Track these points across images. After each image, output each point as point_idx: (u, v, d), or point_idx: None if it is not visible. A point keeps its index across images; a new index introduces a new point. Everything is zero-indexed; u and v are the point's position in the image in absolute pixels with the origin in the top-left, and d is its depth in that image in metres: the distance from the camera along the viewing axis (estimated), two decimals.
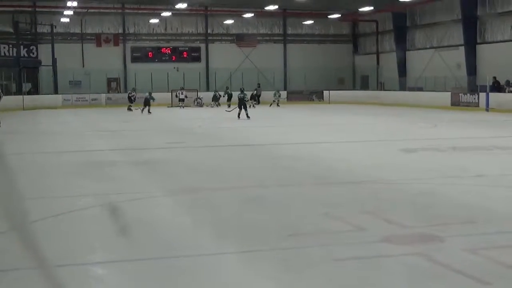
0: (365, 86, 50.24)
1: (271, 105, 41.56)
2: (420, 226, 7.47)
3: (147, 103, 35.99)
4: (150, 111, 35.38)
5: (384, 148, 16.46)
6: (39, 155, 16.07)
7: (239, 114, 28.83)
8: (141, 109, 36.01)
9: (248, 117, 28.43)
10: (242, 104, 29.00)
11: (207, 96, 44.53)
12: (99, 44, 47.55)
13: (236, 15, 48.18)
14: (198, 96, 43.99)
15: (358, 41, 52.98)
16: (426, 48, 43.46)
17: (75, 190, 10.51)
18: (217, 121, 28.22)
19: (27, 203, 9.26)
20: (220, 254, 6.50)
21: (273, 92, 42.99)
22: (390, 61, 46.88)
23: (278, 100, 42.14)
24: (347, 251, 6.45)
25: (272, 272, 5.86)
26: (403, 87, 44.39)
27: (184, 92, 42.42)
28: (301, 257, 6.30)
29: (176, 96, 42.36)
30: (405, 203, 9.00)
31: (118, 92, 46.84)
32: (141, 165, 13.48)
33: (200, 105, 43.23)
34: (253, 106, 40.42)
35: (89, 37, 47.85)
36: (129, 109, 38.12)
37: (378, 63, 49.70)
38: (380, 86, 48.10)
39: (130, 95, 39.57)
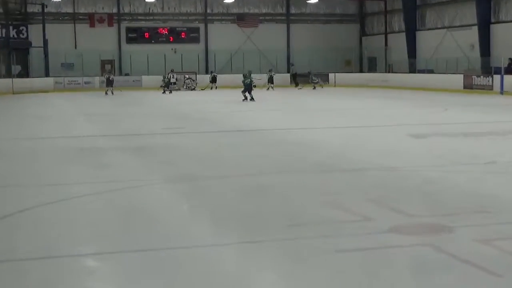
0: (372, 68, 50.13)
1: (268, 89, 41.29)
2: (428, 216, 7.48)
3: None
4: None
5: (392, 134, 16.45)
6: (29, 141, 16.08)
7: (246, 97, 29.70)
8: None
9: (248, 99, 29.43)
10: (248, 87, 29.80)
11: (204, 79, 44.54)
12: (92, 25, 47.49)
13: None
14: (188, 77, 43.62)
15: (366, 21, 52.81)
16: (437, 28, 43.33)
17: (67, 178, 10.53)
18: (216, 105, 28.19)
19: (17, 190, 9.29)
20: (219, 245, 6.52)
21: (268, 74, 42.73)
22: (399, 42, 46.75)
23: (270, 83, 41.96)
24: (352, 242, 6.46)
25: (273, 263, 5.88)
26: (412, 69, 44.28)
27: (176, 75, 42.40)
28: (303, 248, 6.32)
29: (166, 79, 42.08)
30: (413, 191, 9.00)
31: (112, 75, 46.77)
32: (137, 151, 13.49)
33: (191, 88, 42.94)
34: (272, 88, 41.16)
35: (82, 17, 47.78)
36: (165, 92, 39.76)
37: (386, 44, 49.57)
38: (389, 68, 48.00)
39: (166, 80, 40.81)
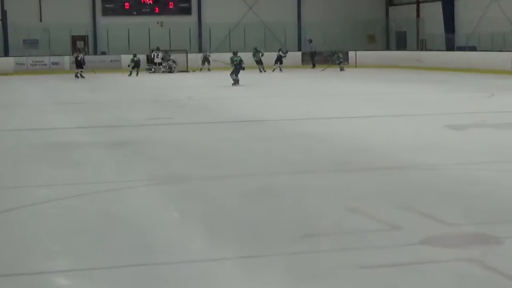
0: (401, 45, 50.10)
1: (273, 70, 41.81)
2: (470, 224, 7.48)
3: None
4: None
5: (425, 125, 16.45)
6: None
7: (236, 81, 29.90)
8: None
9: (237, 83, 29.98)
10: (237, 69, 30.15)
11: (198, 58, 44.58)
12: None
13: None
14: (168, 57, 43.65)
15: None
16: None
17: (32, 179, 10.53)
18: (211, 90, 28.21)
19: None
20: (216, 260, 6.52)
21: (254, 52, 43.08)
22: (434, 13, 46.66)
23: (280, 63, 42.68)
24: (377, 256, 6.46)
25: (281, 282, 5.88)
26: (450, 46, 44.23)
27: (161, 54, 42.54)
28: (318, 264, 6.32)
29: (151, 58, 42.41)
30: (450, 194, 8.99)
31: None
32: (116, 147, 13.51)
33: (171, 70, 42.86)
34: (280, 70, 42.17)
35: None
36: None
37: (418, 15, 49.49)
38: (421, 45, 47.95)
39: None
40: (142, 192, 9.64)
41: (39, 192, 9.54)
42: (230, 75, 30.37)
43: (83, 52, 41.87)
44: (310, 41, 47.97)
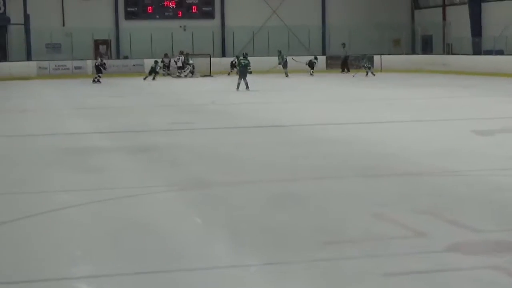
0: (427, 49, 49.90)
1: (286, 75, 41.66)
2: (498, 231, 7.44)
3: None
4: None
5: (452, 130, 16.39)
6: (7, 139, 16.22)
7: (245, 85, 29.83)
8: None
9: (247, 86, 29.68)
10: (244, 72, 30.19)
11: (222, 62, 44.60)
12: None
13: None
14: (186, 60, 43.42)
15: None
16: None
17: (53, 185, 10.60)
18: (233, 95, 28.24)
19: None
20: (239, 267, 6.53)
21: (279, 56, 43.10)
22: (460, 16, 46.45)
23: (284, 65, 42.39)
24: (402, 264, 6.44)
25: None
26: (477, 50, 44.00)
27: (182, 58, 42.50)
28: (342, 271, 6.31)
29: (160, 63, 42.38)
30: (477, 200, 8.96)
31: (108, 58, 47.01)
32: (137, 152, 13.55)
33: (185, 75, 42.79)
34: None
35: None
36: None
37: (444, 18, 49.28)
38: (448, 49, 47.72)
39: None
40: (164, 198, 9.67)
41: (60, 198, 9.58)
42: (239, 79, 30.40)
43: (105, 57, 42.00)
44: (344, 44, 47.67)
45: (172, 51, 45.96)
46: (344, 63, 46.76)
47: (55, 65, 44.50)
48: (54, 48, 47.16)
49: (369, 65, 42.84)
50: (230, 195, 9.68)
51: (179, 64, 42.44)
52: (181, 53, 43.52)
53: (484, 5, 45.01)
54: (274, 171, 11.36)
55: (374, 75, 41.67)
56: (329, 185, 10.22)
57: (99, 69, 38.96)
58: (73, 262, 6.83)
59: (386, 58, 46.70)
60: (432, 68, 43.40)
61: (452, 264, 6.41)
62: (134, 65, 46.14)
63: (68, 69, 44.53)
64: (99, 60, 39.96)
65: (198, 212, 8.72)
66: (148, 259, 6.74)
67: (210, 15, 50.20)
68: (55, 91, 32.63)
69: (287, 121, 18.15)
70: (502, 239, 7.14)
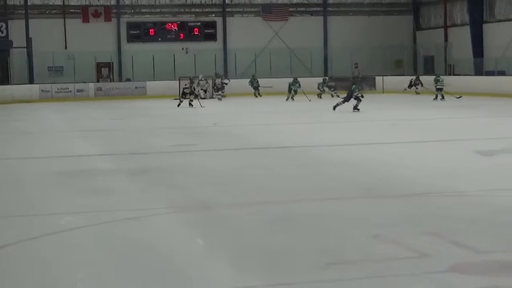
0: (429, 69, 49.91)
1: (287, 98, 39.44)
2: (501, 252, 7.44)
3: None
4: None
5: (455, 150, 16.40)
6: (10, 162, 16.24)
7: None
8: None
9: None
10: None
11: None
12: (86, 20, 47.88)
13: None
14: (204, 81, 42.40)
15: (421, 11, 52.73)
16: (509, 20, 43.09)
17: (56, 207, 10.61)
18: (236, 117, 28.28)
19: None
20: None
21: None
22: (462, 37, 46.55)
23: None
24: (405, 285, 6.44)
25: None
26: (479, 70, 44.05)
27: (207, 81, 42.20)
28: None
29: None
30: (481, 221, 8.96)
31: (110, 81, 47.13)
32: (139, 174, 13.57)
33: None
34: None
35: (73, 10, 48.20)
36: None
37: (446, 39, 49.39)
38: (449, 70, 47.78)
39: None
40: (166, 220, 9.68)
41: (64, 220, 9.60)
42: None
43: (109, 78, 41.55)
44: (356, 65, 47.55)
45: (174, 74, 45.93)
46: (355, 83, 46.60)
47: (58, 88, 44.52)
48: (56, 71, 47.27)
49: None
50: (232, 216, 9.69)
51: (205, 87, 41.89)
52: (204, 78, 42.49)
53: (485, 26, 45.13)
54: (276, 193, 11.36)
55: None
56: (331, 206, 10.22)
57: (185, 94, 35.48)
58: (76, 284, 6.82)
59: (388, 79, 46.73)
60: (434, 89, 43.36)
61: (455, 284, 6.41)
62: (136, 88, 46.15)
63: (70, 92, 44.56)
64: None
65: (199, 234, 8.72)
66: (150, 280, 6.75)
67: (212, 37, 50.33)
68: (58, 114, 32.66)
69: (289, 143, 18.14)
70: (505, 259, 7.13)
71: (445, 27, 49.62)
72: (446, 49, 48.93)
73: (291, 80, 39.58)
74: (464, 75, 44.79)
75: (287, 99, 38.68)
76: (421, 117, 26.81)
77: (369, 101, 37.90)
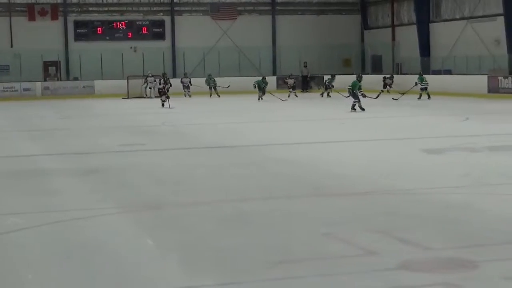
0: (377, 68, 50.31)
1: (211, 95, 41.75)
2: (448, 248, 7.50)
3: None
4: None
5: (402, 149, 16.54)
6: None
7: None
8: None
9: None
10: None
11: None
12: (32, 18, 47.35)
13: None
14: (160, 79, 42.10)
15: (368, 10, 53.11)
16: (455, 19, 43.61)
17: (1, 207, 10.44)
18: (185, 116, 28.19)
19: None
20: None
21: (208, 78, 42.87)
22: (409, 36, 46.99)
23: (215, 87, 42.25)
24: (354, 282, 6.46)
25: None
26: (426, 69, 44.47)
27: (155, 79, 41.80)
28: None
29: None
30: (428, 219, 9.04)
31: (58, 80, 46.63)
32: (87, 174, 13.44)
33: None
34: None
35: (19, 8, 47.65)
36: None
37: (393, 39, 49.82)
38: (397, 69, 48.20)
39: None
40: (115, 219, 9.60)
41: (9, 221, 9.46)
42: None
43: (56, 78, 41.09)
44: (305, 64, 47.73)
45: (123, 73, 45.62)
46: (306, 82, 46.90)
47: (3, 87, 43.95)
48: (2, 70, 46.66)
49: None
50: (182, 216, 9.65)
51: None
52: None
53: (432, 26, 45.62)
54: (225, 192, 11.34)
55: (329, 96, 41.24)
56: (280, 205, 10.23)
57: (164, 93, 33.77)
58: (24, 285, 6.74)
59: (337, 78, 46.92)
60: (381, 88, 43.65)
61: (404, 282, 6.45)
62: (84, 87, 45.74)
63: (16, 91, 44.00)
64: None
65: (149, 234, 8.67)
66: (99, 281, 6.69)
67: (160, 36, 50.11)
68: (2, 112, 32.26)
69: (238, 141, 18.15)
70: (453, 256, 7.19)
71: (393, 26, 50.05)
72: (393, 48, 49.35)
73: (259, 78, 39.30)
74: (411, 74, 45.09)
75: (259, 99, 37.58)
76: (369, 115, 26.95)
77: (315, 100, 38.13)
